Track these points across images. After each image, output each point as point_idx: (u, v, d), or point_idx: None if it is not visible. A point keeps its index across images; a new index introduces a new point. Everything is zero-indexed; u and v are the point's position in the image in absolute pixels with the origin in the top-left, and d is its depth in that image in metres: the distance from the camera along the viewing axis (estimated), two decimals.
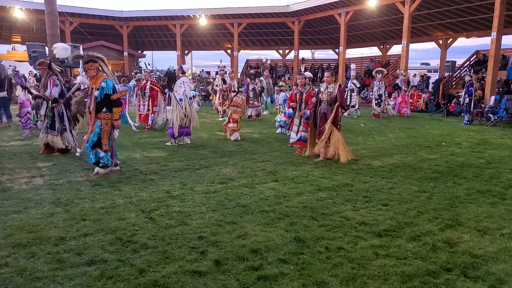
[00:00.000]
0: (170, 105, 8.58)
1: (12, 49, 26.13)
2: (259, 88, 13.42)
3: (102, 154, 5.77)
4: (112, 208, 4.47)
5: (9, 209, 4.38)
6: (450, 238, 3.75)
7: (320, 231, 3.88)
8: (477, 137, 10.00)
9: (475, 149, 8.34)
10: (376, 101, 14.43)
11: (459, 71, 18.63)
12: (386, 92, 14.82)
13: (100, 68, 5.87)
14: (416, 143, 9.02)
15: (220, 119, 12.46)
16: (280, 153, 7.66)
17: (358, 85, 14.48)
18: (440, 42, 22.07)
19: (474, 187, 5.47)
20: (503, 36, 14.52)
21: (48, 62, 6.98)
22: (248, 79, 13.73)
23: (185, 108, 8.36)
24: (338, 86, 7.05)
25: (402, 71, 16.38)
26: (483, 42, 21.67)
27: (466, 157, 7.45)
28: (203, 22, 24.87)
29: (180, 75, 8.55)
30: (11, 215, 4.20)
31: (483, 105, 13.46)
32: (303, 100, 7.53)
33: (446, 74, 18.86)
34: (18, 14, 22.13)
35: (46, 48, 14.50)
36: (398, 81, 15.83)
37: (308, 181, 5.67)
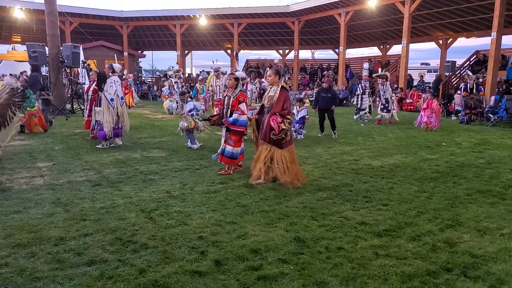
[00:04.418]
0: (100, 106, 8.03)
1: (12, 49, 26.17)
2: (259, 90, 12.87)
3: None
4: (112, 208, 4.47)
5: (9, 209, 4.38)
6: (450, 238, 3.75)
7: (320, 231, 3.87)
8: (477, 137, 10.00)
9: (475, 149, 8.34)
10: (383, 106, 12.61)
11: (459, 71, 18.63)
12: (394, 95, 13.16)
13: None
14: (416, 143, 9.02)
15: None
16: None
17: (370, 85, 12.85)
18: (440, 42, 22.09)
19: (474, 187, 5.47)
20: (503, 36, 14.51)
21: None
22: (248, 79, 13.51)
23: (117, 108, 7.95)
24: (280, 88, 5.59)
25: (476, 74, 14.15)
26: (483, 42, 21.71)
27: (466, 157, 7.45)
28: (203, 22, 24.87)
29: (110, 74, 8.04)
30: (11, 215, 4.20)
31: (483, 105, 13.47)
32: (230, 106, 6.07)
33: (446, 74, 18.86)
34: (18, 14, 22.14)
35: (46, 48, 14.50)
36: (469, 82, 13.64)
37: (308, 181, 5.67)
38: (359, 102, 13.30)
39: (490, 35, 14.30)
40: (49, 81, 14.66)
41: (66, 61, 13.62)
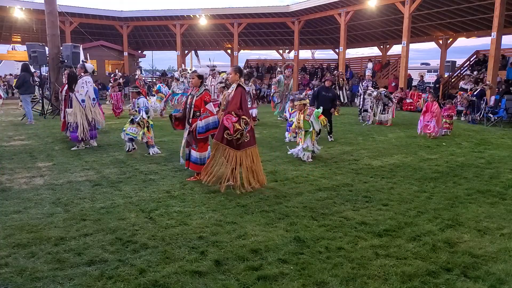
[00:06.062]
0: (71, 107, 7.82)
1: (12, 49, 26.19)
2: (253, 91, 12.28)
3: None
4: (112, 208, 4.47)
5: (9, 209, 4.38)
6: (450, 238, 3.75)
7: (320, 231, 3.87)
8: (477, 137, 10.00)
9: (475, 149, 8.34)
10: (382, 108, 12.24)
11: (459, 71, 18.63)
12: (390, 102, 12.47)
13: None
14: (416, 143, 9.02)
15: None
16: (280, 153, 7.66)
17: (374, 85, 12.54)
18: (440, 42, 22.08)
19: (474, 187, 5.47)
20: (503, 36, 14.50)
21: None
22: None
23: (89, 109, 7.81)
24: (237, 86, 5.25)
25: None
26: (483, 42, 21.69)
27: (466, 157, 7.45)
28: (203, 22, 24.87)
29: (82, 74, 7.81)
30: (11, 215, 4.20)
31: (482, 105, 13.46)
32: (193, 106, 5.59)
33: (446, 74, 18.86)
34: (18, 14, 22.13)
35: (46, 48, 14.50)
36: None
37: (308, 181, 5.67)
38: (361, 102, 13.10)
39: (490, 35, 14.30)
40: (49, 81, 14.65)
41: (66, 61, 13.61)
